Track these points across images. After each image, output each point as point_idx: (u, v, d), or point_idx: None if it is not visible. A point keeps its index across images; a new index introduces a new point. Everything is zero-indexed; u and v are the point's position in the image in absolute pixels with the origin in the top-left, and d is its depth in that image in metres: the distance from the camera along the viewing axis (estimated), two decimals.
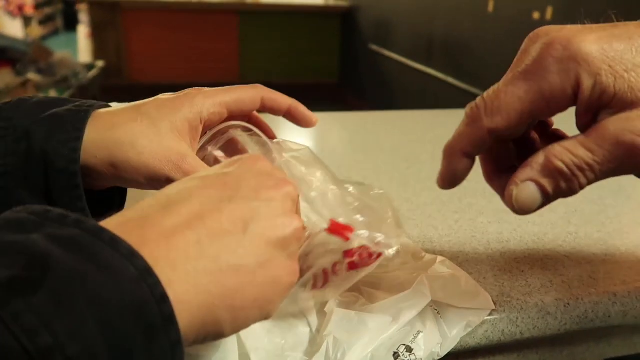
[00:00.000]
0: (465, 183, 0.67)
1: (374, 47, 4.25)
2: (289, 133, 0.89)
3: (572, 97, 0.27)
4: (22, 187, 0.33)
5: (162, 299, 0.20)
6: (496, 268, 0.48)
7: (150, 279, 0.20)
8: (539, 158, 0.29)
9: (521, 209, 0.30)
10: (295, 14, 5.02)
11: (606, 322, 0.45)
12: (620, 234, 0.56)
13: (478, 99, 0.32)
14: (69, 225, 0.20)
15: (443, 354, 0.36)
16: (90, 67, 2.88)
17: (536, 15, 2.33)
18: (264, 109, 0.40)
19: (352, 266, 0.32)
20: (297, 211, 0.30)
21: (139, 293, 0.19)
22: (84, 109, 0.35)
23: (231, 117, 0.38)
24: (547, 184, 0.28)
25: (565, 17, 2.09)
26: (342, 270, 0.34)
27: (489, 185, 0.67)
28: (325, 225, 0.31)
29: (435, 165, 0.73)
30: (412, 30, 3.63)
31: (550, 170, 0.28)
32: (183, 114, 0.35)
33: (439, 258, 0.43)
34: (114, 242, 0.20)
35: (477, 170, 0.72)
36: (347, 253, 0.32)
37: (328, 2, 5.51)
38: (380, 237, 0.33)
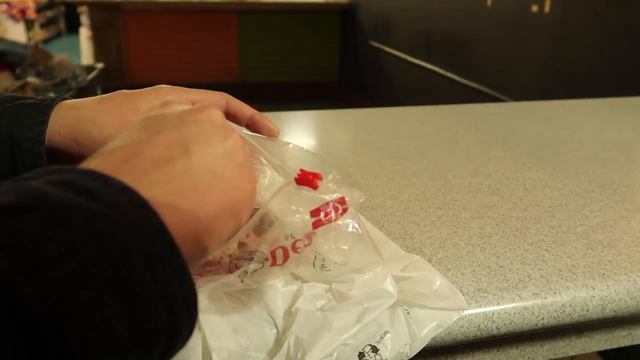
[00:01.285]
0: (451, 179, 0.67)
1: (375, 44, 4.23)
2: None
3: None
4: None
5: (162, 229, 0.20)
6: (475, 264, 0.48)
7: (146, 211, 0.20)
8: None
9: None
10: (295, 12, 5.01)
11: (584, 317, 0.44)
12: (604, 228, 0.55)
13: None
14: (65, 171, 0.20)
15: (412, 354, 0.36)
16: (90, 69, 2.89)
17: (534, 8, 2.31)
18: (228, 115, 0.40)
19: (318, 224, 0.32)
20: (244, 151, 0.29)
21: (141, 223, 0.19)
22: (50, 99, 0.37)
23: None
24: None
25: (564, 8, 2.06)
26: (302, 248, 0.33)
27: (474, 181, 0.66)
28: (294, 176, 0.31)
29: (422, 161, 0.73)
30: (411, 26, 3.61)
31: None
32: (148, 100, 0.36)
33: (414, 257, 0.43)
34: (106, 178, 0.20)
35: (463, 165, 0.72)
36: (313, 212, 0.31)
37: (327, 0, 5.51)
38: (349, 178, 0.33)
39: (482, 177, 0.68)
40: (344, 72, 5.09)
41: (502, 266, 0.47)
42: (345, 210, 0.32)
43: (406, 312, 0.37)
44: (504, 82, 2.56)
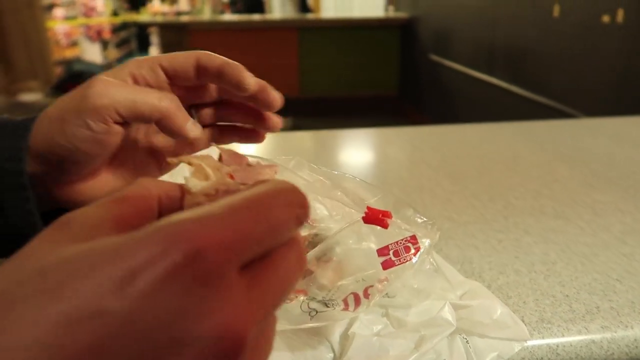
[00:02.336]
0: (512, 200, 0.65)
1: (434, 58, 4.18)
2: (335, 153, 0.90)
3: None
4: None
5: None
6: (538, 292, 0.46)
7: None
8: None
9: None
10: (354, 28, 5.05)
11: None
12: None
13: None
14: None
15: None
16: None
17: (606, 18, 2.21)
18: (199, 69, 0.35)
19: (389, 264, 0.32)
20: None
21: None
22: (33, 117, 0.34)
23: (169, 77, 0.35)
24: None
25: (638, 18, 1.96)
26: (374, 294, 0.34)
27: (538, 203, 0.64)
28: (361, 214, 0.31)
29: (482, 181, 0.71)
30: (473, 39, 3.54)
31: None
32: (117, 71, 0.35)
33: (473, 283, 0.42)
34: None
35: (526, 186, 0.69)
36: (382, 251, 0.32)
37: (387, 15, 5.51)
38: (420, 218, 0.33)
39: (545, 198, 0.66)
40: (402, 87, 5.06)
41: (567, 295, 0.45)
42: (418, 250, 0.32)
43: (465, 340, 0.37)
44: (572, 96, 2.45)
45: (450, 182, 0.71)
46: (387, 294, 0.37)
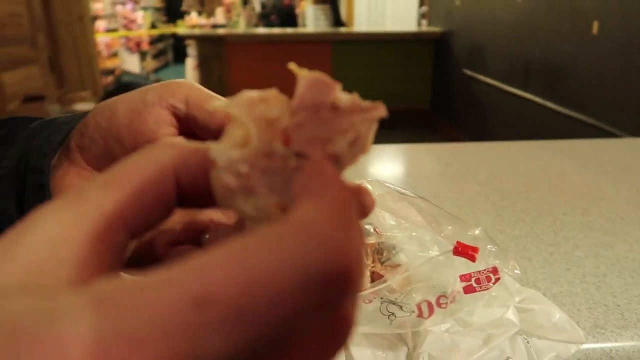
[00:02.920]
0: (561, 216, 0.68)
1: (468, 72, 4.20)
2: (377, 165, 0.94)
3: None
4: (11, 191, 0.31)
5: None
6: (591, 301, 0.49)
7: None
8: None
9: None
10: (387, 42, 5.11)
11: None
12: None
13: None
14: None
15: None
16: None
17: None
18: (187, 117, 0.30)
19: (470, 290, 0.36)
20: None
21: None
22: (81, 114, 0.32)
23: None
24: None
25: None
26: (447, 304, 0.39)
27: (586, 219, 0.67)
28: (450, 247, 0.36)
29: (529, 197, 0.75)
30: (507, 54, 3.55)
31: None
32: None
33: (530, 291, 0.46)
34: None
35: (573, 202, 0.72)
36: (464, 277, 0.36)
37: (421, 29, 5.54)
38: (502, 249, 0.37)
39: (593, 215, 0.69)
40: (435, 101, 5.08)
41: (619, 305, 0.49)
42: (497, 280, 0.37)
43: (526, 341, 0.40)
44: (612, 114, 2.44)
45: (500, 198, 0.75)
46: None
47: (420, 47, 5.05)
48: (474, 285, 0.36)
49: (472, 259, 0.36)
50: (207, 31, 6.06)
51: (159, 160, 0.16)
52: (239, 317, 0.12)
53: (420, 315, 0.39)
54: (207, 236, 0.24)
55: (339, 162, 0.17)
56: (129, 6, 8.41)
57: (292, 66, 0.18)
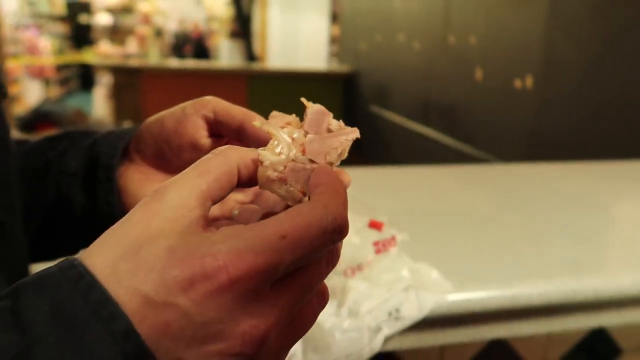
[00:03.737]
0: (444, 215, 0.90)
1: (374, 109, 4.57)
2: None
3: None
4: (81, 185, 0.42)
5: None
6: (456, 265, 0.70)
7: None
8: None
9: None
10: (300, 79, 5.40)
11: None
12: None
13: None
14: (79, 290, 0.21)
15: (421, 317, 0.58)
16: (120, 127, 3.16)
17: (518, 83, 2.63)
18: (215, 123, 0.39)
19: (379, 251, 0.55)
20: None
21: None
22: (133, 127, 0.42)
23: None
24: None
25: (544, 84, 2.36)
26: (363, 267, 0.57)
27: (460, 216, 0.90)
28: (366, 221, 0.55)
29: (423, 204, 0.97)
30: (409, 94, 3.95)
31: None
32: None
33: (419, 263, 0.66)
34: (111, 319, 0.20)
35: (455, 207, 0.95)
36: (375, 243, 0.55)
37: (331, 67, 5.92)
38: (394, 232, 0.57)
39: (467, 215, 0.92)
40: None
41: (476, 269, 0.70)
42: (395, 243, 0.57)
43: (414, 292, 0.60)
44: (492, 146, 2.85)
45: (400, 203, 0.96)
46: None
47: (331, 84, 5.39)
48: (381, 248, 0.56)
49: (380, 228, 0.55)
50: (122, 61, 6.00)
51: (229, 158, 0.26)
52: (300, 244, 0.23)
53: (345, 276, 0.58)
54: (236, 212, 0.35)
55: (332, 165, 0.28)
56: (33, 32, 8.08)
57: (303, 100, 0.30)
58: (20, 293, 0.21)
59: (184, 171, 0.25)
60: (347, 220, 0.24)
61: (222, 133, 0.39)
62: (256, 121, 0.32)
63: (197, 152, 0.38)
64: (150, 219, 0.23)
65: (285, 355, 0.25)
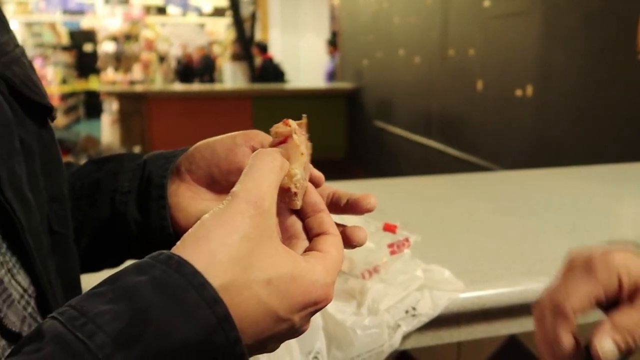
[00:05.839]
0: (449, 220, 0.95)
1: (378, 123, 4.64)
2: None
3: (618, 288, 0.39)
4: (135, 202, 0.46)
5: (236, 342, 0.26)
6: (467, 266, 0.74)
7: (227, 325, 0.26)
8: (608, 324, 0.38)
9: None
10: (303, 97, 5.48)
11: None
12: None
13: (550, 299, 0.40)
14: (172, 267, 0.26)
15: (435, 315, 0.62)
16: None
17: (519, 92, 2.69)
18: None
19: (393, 252, 0.60)
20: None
21: (216, 338, 0.25)
22: (180, 150, 0.47)
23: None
24: (620, 341, 0.38)
25: (543, 93, 2.42)
26: (380, 269, 0.62)
27: (465, 222, 0.94)
28: (380, 225, 0.59)
29: (433, 209, 1.01)
30: (411, 107, 4.02)
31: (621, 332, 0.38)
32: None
33: (432, 265, 0.70)
34: (202, 287, 0.25)
35: (460, 214, 0.99)
36: (390, 245, 0.60)
37: (334, 85, 6.01)
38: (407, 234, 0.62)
39: (473, 220, 0.96)
40: (349, 150, 5.48)
41: (485, 269, 0.74)
42: (409, 245, 0.61)
43: (428, 291, 0.64)
44: (495, 155, 2.89)
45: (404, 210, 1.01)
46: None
47: (334, 102, 5.47)
48: (396, 249, 0.60)
49: (394, 231, 0.60)
50: (128, 88, 6.12)
51: (275, 166, 0.32)
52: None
53: (363, 278, 0.62)
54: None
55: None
56: (38, 62, 8.26)
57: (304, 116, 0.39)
58: (118, 278, 0.26)
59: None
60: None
61: None
62: (296, 137, 0.36)
63: None
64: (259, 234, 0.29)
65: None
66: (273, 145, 0.35)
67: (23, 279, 0.35)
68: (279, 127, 0.36)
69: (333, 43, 6.50)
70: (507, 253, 0.82)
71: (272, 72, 6.33)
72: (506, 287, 0.70)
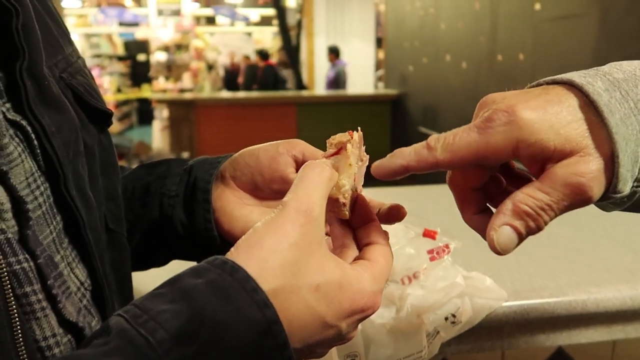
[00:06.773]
0: None
1: (423, 129, 4.59)
2: None
3: (511, 153, 0.32)
4: (182, 205, 0.49)
5: (284, 345, 0.27)
6: (510, 273, 0.72)
7: (276, 328, 0.27)
8: (508, 205, 0.32)
9: (503, 250, 0.32)
10: (348, 103, 5.49)
11: None
12: None
13: (440, 135, 0.36)
14: (226, 271, 0.28)
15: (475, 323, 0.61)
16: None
17: None
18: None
19: (433, 258, 0.59)
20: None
21: (266, 340, 0.27)
22: (225, 156, 0.49)
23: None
24: (519, 225, 0.32)
25: None
26: (419, 275, 0.62)
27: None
28: (420, 231, 0.59)
29: None
30: (457, 113, 3.95)
31: (519, 214, 0.32)
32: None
33: (473, 272, 0.69)
34: (254, 291, 0.27)
35: None
36: (430, 251, 0.59)
37: (378, 91, 5.99)
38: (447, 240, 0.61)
39: None
40: None
41: (530, 277, 0.72)
42: (449, 251, 0.61)
43: (469, 299, 0.63)
44: None
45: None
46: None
47: (379, 108, 5.45)
48: (435, 255, 0.60)
49: (433, 237, 0.59)
50: (177, 96, 6.31)
51: (324, 177, 0.33)
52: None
53: (403, 284, 0.62)
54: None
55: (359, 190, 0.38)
56: (95, 71, 8.66)
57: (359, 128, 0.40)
58: (177, 280, 0.28)
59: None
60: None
61: None
62: (349, 148, 0.36)
63: (285, 184, 0.45)
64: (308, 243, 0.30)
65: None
66: (327, 156, 0.36)
67: (81, 272, 0.37)
68: (334, 139, 0.37)
69: (334, 51, 6.48)
70: (554, 262, 0.80)
71: (271, 78, 6.31)
72: (552, 297, 0.68)
